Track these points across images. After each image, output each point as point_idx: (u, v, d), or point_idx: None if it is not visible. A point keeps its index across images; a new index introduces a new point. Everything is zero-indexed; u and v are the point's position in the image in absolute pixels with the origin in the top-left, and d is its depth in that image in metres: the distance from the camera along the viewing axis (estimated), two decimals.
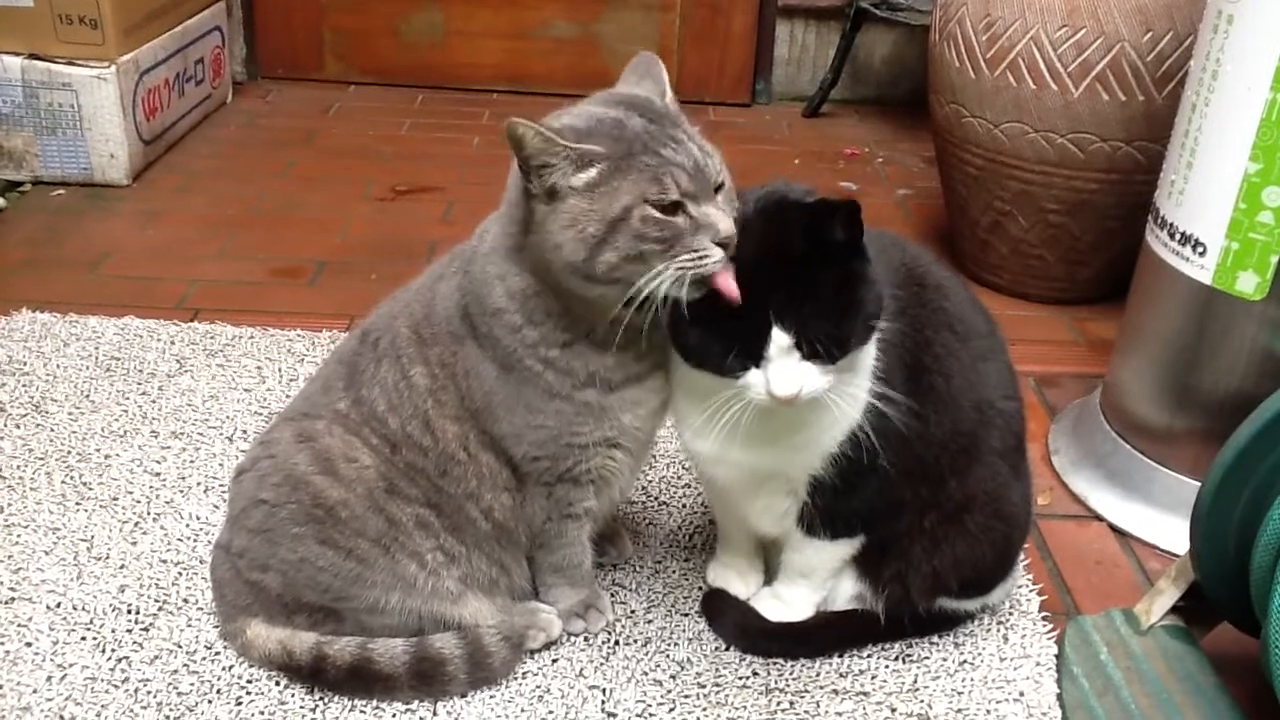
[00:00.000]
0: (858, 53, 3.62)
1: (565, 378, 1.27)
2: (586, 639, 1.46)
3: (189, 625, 1.44)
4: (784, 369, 1.14)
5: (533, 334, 1.25)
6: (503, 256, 1.26)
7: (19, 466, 1.73)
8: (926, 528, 1.36)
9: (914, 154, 3.30)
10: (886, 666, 1.44)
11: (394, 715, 1.33)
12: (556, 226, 1.15)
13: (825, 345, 1.13)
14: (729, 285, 1.13)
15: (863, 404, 1.25)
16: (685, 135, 1.19)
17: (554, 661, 1.42)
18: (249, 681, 1.36)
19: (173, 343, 2.09)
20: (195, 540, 1.59)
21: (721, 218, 1.15)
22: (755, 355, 1.15)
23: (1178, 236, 1.64)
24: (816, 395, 1.16)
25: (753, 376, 1.16)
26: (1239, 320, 1.60)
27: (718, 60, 3.60)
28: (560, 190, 1.15)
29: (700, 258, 1.13)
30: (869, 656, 1.45)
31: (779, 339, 1.13)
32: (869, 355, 1.24)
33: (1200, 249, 1.60)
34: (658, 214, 1.13)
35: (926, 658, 1.45)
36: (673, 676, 1.41)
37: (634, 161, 1.14)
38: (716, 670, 1.42)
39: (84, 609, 1.46)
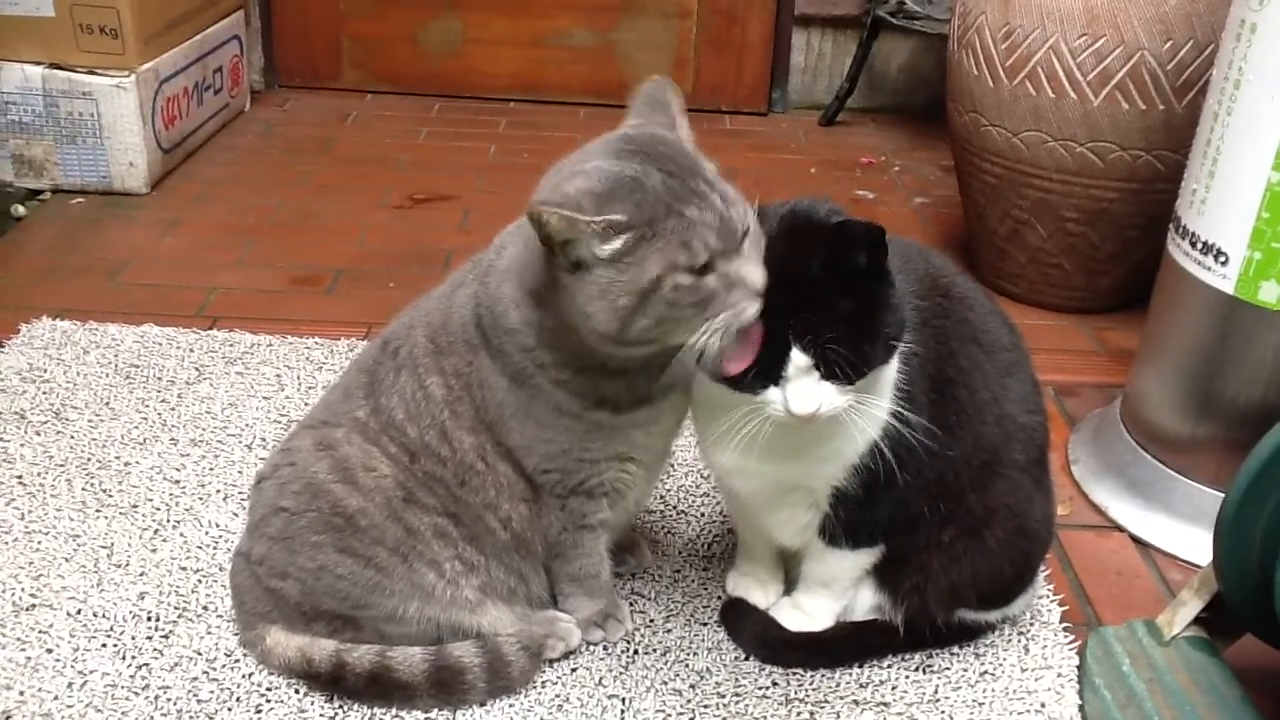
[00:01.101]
0: (874, 61, 3.62)
1: (576, 399, 1.26)
2: (605, 648, 1.45)
3: (209, 632, 1.45)
4: (803, 389, 1.14)
5: (545, 356, 1.24)
6: (518, 286, 1.24)
7: (39, 473, 1.73)
8: (945, 541, 1.35)
9: (931, 163, 3.29)
10: (907, 677, 1.43)
11: None
12: (585, 296, 1.12)
13: (844, 367, 1.13)
14: (747, 350, 1.13)
15: (885, 417, 1.24)
16: (706, 185, 1.13)
17: (573, 671, 1.42)
18: (269, 689, 1.37)
19: (192, 350, 2.09)
20: (215, 548, 1.59)
21: (752, 271, 1.12)
22: (774, 375, 1.14)
23: (1199, 246, 1.64)
24: (835, 413, 1.16)
25: (772, 394, 1.15)
26: (1261, 330, 1.59)
27: (734, 68, 3.60)
28: (586, 261, 1.11)
29: (738, 313, 1.11)
30: (889, 667, 1.44)
31: (798, 360, 1.13)
32: (891, 370, 1.23)
33: (1222, 258, 1.60)
34: (689, 280, 1.09)
35: (947, 668, 1.45)
36: (692, 686, 1.40)
37: (659, 228, 1.09)
38: (736, 680, 1.42)
39: (104, 616, 1.46)
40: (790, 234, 1.16)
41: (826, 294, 1.13)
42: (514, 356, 1.26)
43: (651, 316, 1.11)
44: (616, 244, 1.09)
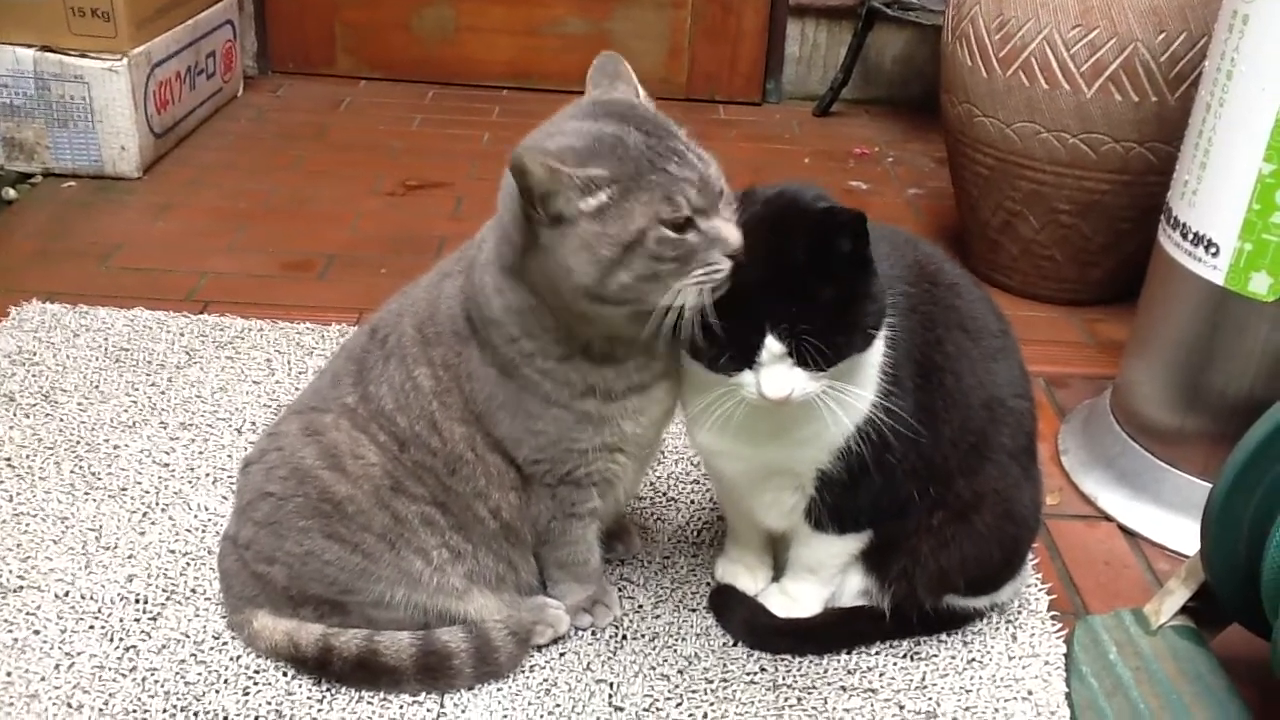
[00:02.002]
0: (869, 52, 3.62)
1: (563, 388, 1.26)
2: (594, 634, 1.45)
3: (197, 615, 1.44)
4: (776, 374, 1.14)
5: (529, 345, 1.24)
6: (497, 271, 1.24)
7: (28, 456, 1.73)
8: (934, 526, 1.36)
9: (924, 154, 3.30)
10: (895, 664, 1.43)
11: (401, 707, 1.33)
12: (567, 250, 1.12)
13: (818, 356, 1.13)
14: None
15: (869, 401, 1.24)
16: (684, 146, 1.15)
17: (561, 655, 1.42)
18: (256, 671, 1.36)
19: (182, 334, 2.09)
20: (203, 531, 1.59)
21: (730, 230, 1.13)
22: (748, 360, 1.15)
23: (1190, 237, 1.64)
24: (809, 398, 1.16)
25: (745, 377, 1.16)
26: (1251, 321, 1.59)
27: (728, 58, 3.60)
28: (568, 216, 1.11)
29: (713, 271, 1.12)
30: (877, 653, 1.45)
31: (772, 346, 1.13)
32: (874, 355, 1.24)
33: (1213, 249, 1.60)
34: (671, 234, 1.10)
35: (935, 655, 1.45)
36: (680, 671, 1.40)
37: (642, 181, 1.10)
38: (724, 666, 1.42)
39: (92, 598, 1.46)
40: (775, 218, 1.16)
41: (807, 282, 1.13)
42: (500, 348, 1.26)
43: (633, 271, 1.11)
44: (601, 197, 1.10)
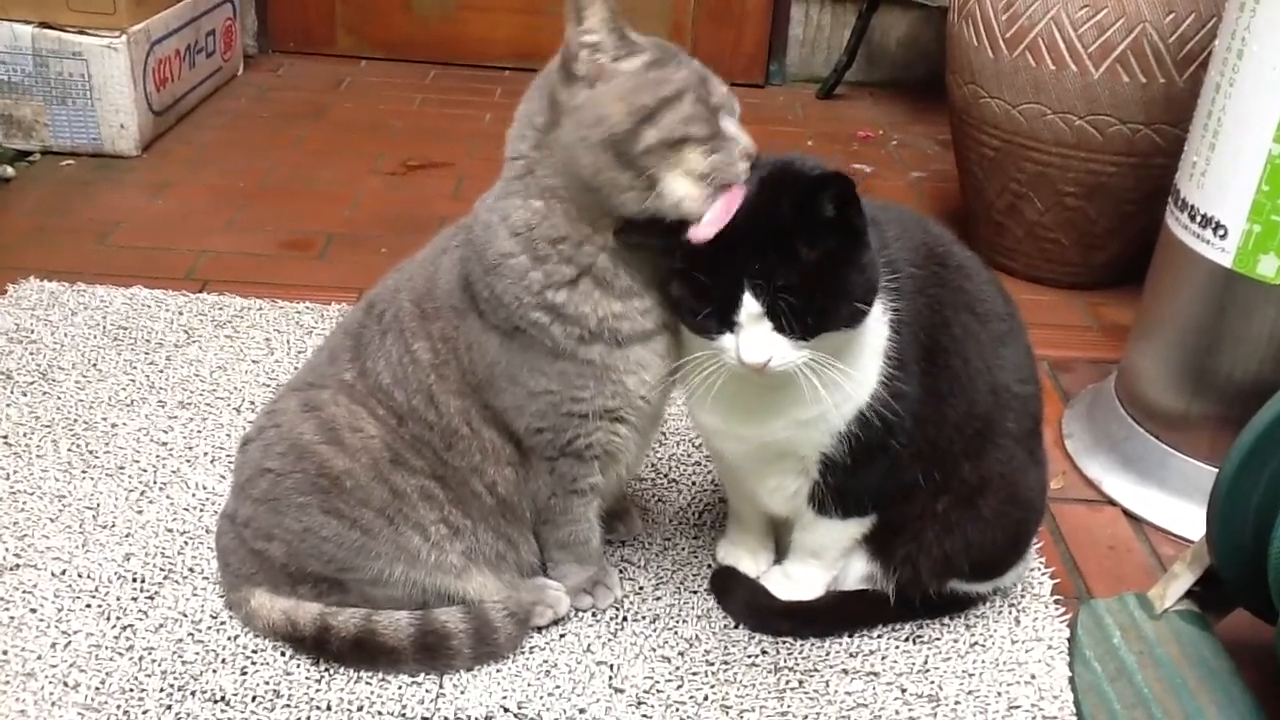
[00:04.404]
0: (873, 34, 3.60)
1: (573, 327, 1.24)
2: (594, 615, 1.44)
3: (194, 594, 1.44)
4: (754, 337, 1.13)
5: (538, 275, 1.23)
6: (503, 189, 1.25)
7: (25, 434, 1.72)
8: (940, 511, 1.34)
9: (928, 137, 3.28)
10: (897, 647, 1.42)
11: (399, 687, 1.32)
12: (606, 98, 1.16)
13: (797, 320, 1.12)
14: (721, 213, 1.14)
15: (872, 384, 1.23)
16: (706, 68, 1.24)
17: (561, 636, 1.41)
18: (254, 651, 1.36)
19: (181, 313, 2.08)
20: (201, 510, 1.58)
21: (745, 135, 1.19)
22: (727, 319, 1.14)
23: (1198, 219, 1.62)
24: (788, 368, 1.14)
25: (725, 340, 1.15)
26: (1259, 304, 1.57)
27: (732, 40, 3.58)
28: (608, 72, 1.17)
29: (729, 164, 1.16)
30: (879, 637, 1.44)
31: (750, 306, 1.12)
32: (874, 338, 1.22)
33: (1221, 231, 1.58)
34: (703, 106, 1.16)
35: (937, 639, 1.44)
36: (681, 653, 1.40)
37: (681, 63, 1.19)
38: (725, 648, 1.41)
39: (89, 577, 1.45)
40: (768, 180, 1.17)
41: (788, 242, 1.12)
42: (505, 296, 1.24)
43: (663, 128, 1.14)
44: (644, 57, 1.18)
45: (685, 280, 1.17)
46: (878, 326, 1.23)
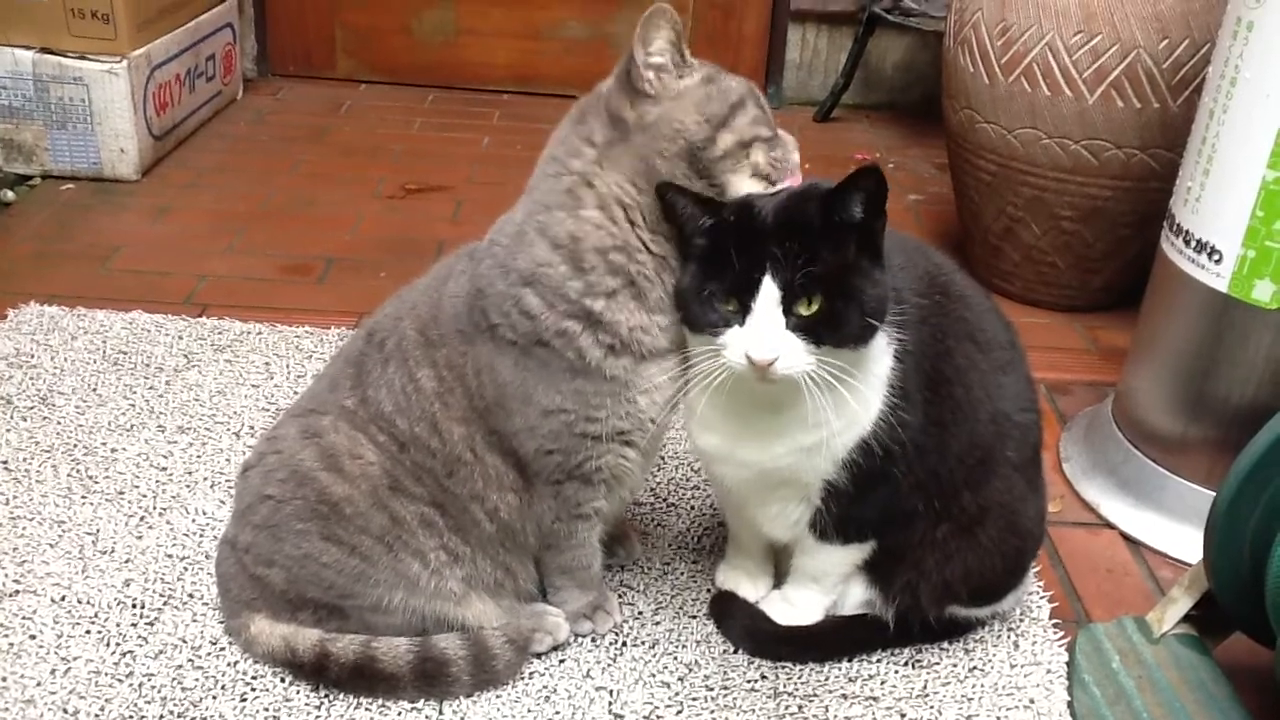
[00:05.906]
0: (870, 58, 3.61)
1: (605, 335, 1.25)
2: (594, 640, 1.45)
3: (194, 620, 1.44)
4: (764, 330, 1.14)
5: (577, 285, 1.25)
6: (541, 205, 1.27)
7: (25, 459, 1.72)
8: (939, 538, 1.35)
9: (925, 160, 3.29)
10: (896, 672, 1.42)
11: (399, 714, 1.32)
12: (681, 110, 1.24)
13: (810, 319, 1.14)
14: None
15: (875, 412, 1.24)
16: None
17: (561, 662, 1.41)
18: (254, 677, 1.36)
19: (180, 338, 2.08)
20: (201, 535, 1.58)
21: (791, 139, 1.31)
22: (743, 302, 1.15)
23: (1194, 244, 1.63)
24: (792, 374, 1.15)
25: (732, 335, 1.16)
26: (1255, 329, 1.58)
27: (729, 63, 3.51)
28: (673, 89, 1.24)
29: (788, 155, 1.29)
30: (878, 661, 1.44)
31: (768, 290, 1.14)
32: (879, 366, 1.23)
33: (1216, 256, 1.59)
34: (763, 109, 1.28)
35: (936, 663, 1.44)
36: (680, 679, 1.40)
37: (729, 75, 1.29)
38: (724, 673, 1.41)
39: (89, 603, 1.45)
40: (795, 195, 1.21)
41: (813, 238, 1.15)
42: (534, 309, 1.25)
43: (735, 131, 1.24)
44: (703, 72, 1.27)
45: (708, 258, 1.19)
46: (882, 355, 1.23)
